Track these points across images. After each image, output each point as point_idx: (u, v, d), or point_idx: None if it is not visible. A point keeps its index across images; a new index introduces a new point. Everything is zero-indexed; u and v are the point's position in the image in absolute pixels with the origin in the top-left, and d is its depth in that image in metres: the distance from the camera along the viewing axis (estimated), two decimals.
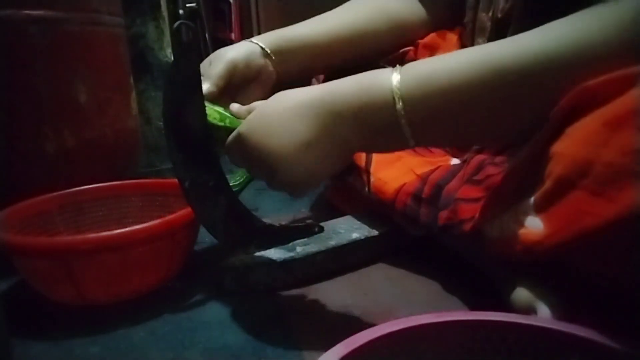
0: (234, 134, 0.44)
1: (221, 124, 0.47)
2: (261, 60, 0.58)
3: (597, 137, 0.30)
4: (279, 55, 0.59)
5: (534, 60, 0.34)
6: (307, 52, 0.61)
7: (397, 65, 0.39)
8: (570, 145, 0.32)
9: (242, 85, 0.57)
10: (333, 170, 0.43)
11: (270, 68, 0.59)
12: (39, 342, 0.46)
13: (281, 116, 0.41)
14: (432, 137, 0.41)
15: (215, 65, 0.55)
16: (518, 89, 0.35)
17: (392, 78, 0.38)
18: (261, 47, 0.58)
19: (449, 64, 0.38)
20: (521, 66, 0.34)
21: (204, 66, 0.56)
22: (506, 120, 0.37)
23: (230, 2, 2.16)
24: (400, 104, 0.37)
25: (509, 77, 0.35)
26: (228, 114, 0.48)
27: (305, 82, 0.68)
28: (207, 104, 0.47)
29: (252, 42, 0.58)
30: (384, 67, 0.63)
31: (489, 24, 0.56)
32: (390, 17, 0.64)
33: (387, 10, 0.65)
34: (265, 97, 0.46)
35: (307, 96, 0.41)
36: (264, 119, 0.42)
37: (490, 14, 0.56)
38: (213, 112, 0.48)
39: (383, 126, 0.39)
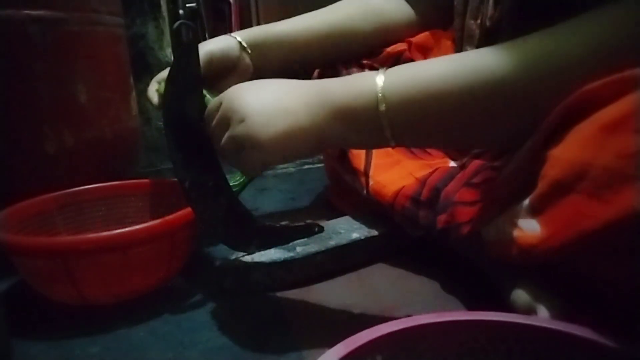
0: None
1: None
2: (237, 53, 0.60)
3: (594, 141, 0.30)
4: (255, 48, 0.61)
5: (516, 70, 0.35)
6: (284, 47, 0.63)
7: (384, 68, 0.40)
8: (566, 149, 0.32)
9: (220, 76, 0.59)
10: (302, 149, 0.42)
11: (247, 60, 0.61)
12: (39, 342, 0.46)
13: (265, 84, 0.43)
14: (412, 139, 0.42)
15: None
16: (499, 99, 0.36)
17: (377, 80, 0.39)
18: (238, 40, 0.60)
19: (432, 70, 0.39)
20: (502, 76, 0.35)
21: None
22: (484, 128, 0.38)
23: (230, 2, 2.16)
24: (383, 106, 0.38)
25: (490, 87, 0.36)
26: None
27: (283, 75, 0.69)
28: None
29: (231, 36, 0.61)
30: (371, 65, 0.64)
31: (477, 31, 0.56)
32: (374, 15, 0.65)
33: (371, 9, 0.65)
34: None
35: (295, 81, 0.43)
36: (247, 85, 0.44)
37: (478, 21, 0.56)
38: None
39: (365, 125, 0.40)
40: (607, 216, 0.29)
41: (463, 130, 0.39)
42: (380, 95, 0.38)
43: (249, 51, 0.61)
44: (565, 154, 0.32)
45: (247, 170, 0.44)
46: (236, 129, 0.41)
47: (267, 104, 0.41)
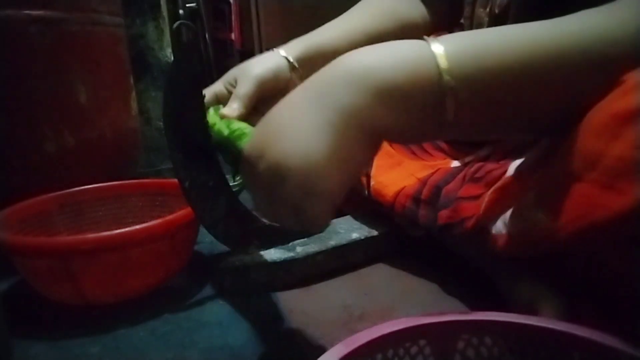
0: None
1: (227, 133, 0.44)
2: (288, 74, 0.55)
3: (606, 130, 0.29)
4: (305, 66, 0.56)
5: (596, 39, 0.31)
6: (328, 60, 0.59)
7: (431, 36, 0.34)
8: (577, 138, 0.31)
9: (268, 99, 0.53)
10: (360, 158, 0.33)
11: (296, 80, 0.56)
12: (39, 342, 0.46)
13: (288, 108, 0.34)
14: (476, 121, 0.34)
15: (243, 84, 0.51)
16: (576, 69, 0.32)
17: (432, 48, 0.32)
18: (288, 60, 0.55)
19: (505, 37, 0.33)
20: (582, 45, 0.32)
21: (228, 80, 0.53)
22: (554, 104, 0.34)
23: (230, 2, 2.17)
24: (448, 77, 0.31)
25: (567, 56, 0.32)
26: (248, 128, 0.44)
27: None
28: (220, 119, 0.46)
29: (279, 54, 0.55)
30: None
31: (486, 19, 0.56)
32: (399, 18, 0.64)
33: (396, 12, 0.64)
34: None
35: (316, 78, 0.35)
36: (270, 120, 0.35)
37: (487, 9, 0.56)
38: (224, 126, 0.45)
39: (419, 104, 0.32)
40: (619, 206, 0.28)
41: (534, 108, 0.34)
42: (444, 64, 0.31)
43: (300, 71, 0.55)
44: (577, 143, 0.31)
45: (313, 227, 0.35)
46: (279, 190, 0.32)
47: (297, 134, 0.32)
